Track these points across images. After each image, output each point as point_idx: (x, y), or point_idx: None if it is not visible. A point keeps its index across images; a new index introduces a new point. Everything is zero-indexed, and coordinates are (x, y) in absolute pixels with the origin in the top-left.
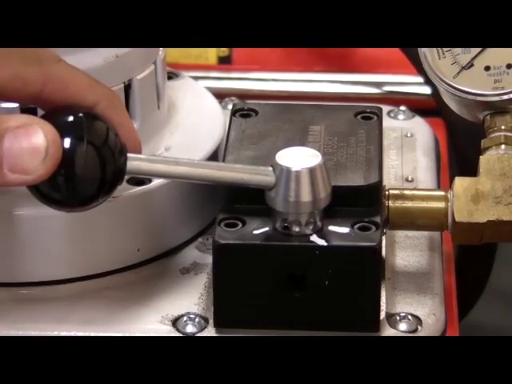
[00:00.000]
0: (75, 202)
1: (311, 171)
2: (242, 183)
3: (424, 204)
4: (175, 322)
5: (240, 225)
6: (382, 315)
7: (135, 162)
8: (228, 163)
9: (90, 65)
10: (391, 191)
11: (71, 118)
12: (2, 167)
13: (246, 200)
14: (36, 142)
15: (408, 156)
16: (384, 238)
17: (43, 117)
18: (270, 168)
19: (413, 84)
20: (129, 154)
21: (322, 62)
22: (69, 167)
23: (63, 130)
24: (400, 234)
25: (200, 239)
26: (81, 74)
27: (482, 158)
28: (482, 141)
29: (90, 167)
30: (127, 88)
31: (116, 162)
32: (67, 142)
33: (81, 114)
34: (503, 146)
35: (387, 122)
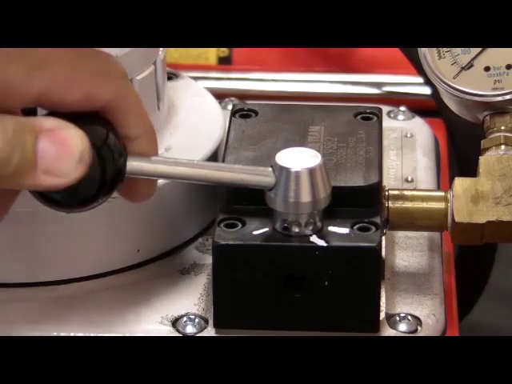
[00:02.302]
0: (75, 202)
1: (311, 172)
2: (241, 184)
3: (424, 204)
4: (175, 323)
5: (240, 225)
6: (382, 316)
7: (135, 163)
8: (228, 164)
9: None
10: (391, 192)
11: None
12: (35, 169)
13: (246, 200)
14: (72, 146)
15: (408, 156)
16: (384, 238)
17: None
18: (270, 168)
19: (413, 84)
20: (129, 155)
21: (322, 62)
22: None
23: None
24: (400, 235)
25: (200, 240)
26: (135, 96)
27: (481, 158)
28: (482, 141)
29: (89, 168)
30: None
31: (116, 163)
32: None
33: (81, 116)
34: (503, 147)
35: (387, 123)
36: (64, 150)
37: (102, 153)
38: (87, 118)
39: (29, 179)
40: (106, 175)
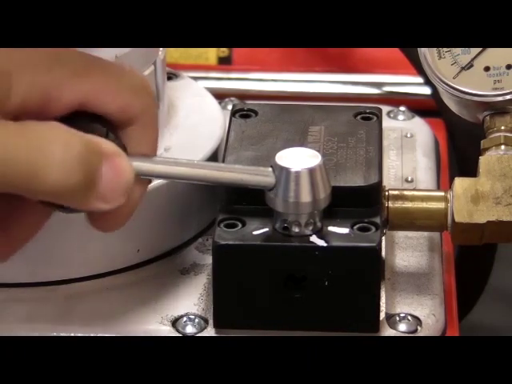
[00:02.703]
0: None
1: (311, 172)
2: (241, 184)
3: (424, 204)
4: (175, 323)
5: (240, 225)
6: (382, 316)
7: (135, 163)
8: (228, 164)
9: None
10: (391, 192)
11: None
12: (93, 193)
13: (246, 201)
14: (124, 175)
15: (408, 156)
16: (384, 238)
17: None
18: (270, 169)
19: (412, 84)
20: (129, 155)
21: (322, 62)
22: None
23: None
24: (400, 235)
25: (200, 240)
26: (156, 114)
27: (481, 158)
28: (482, 141)
29: None
30: None
31: None
32: None
33: (81, 116)
34: (503, 147)
35: (387, 123)
36: (118, 179)
37: None
38: (86, 118)
39: (82, 201)
40: None
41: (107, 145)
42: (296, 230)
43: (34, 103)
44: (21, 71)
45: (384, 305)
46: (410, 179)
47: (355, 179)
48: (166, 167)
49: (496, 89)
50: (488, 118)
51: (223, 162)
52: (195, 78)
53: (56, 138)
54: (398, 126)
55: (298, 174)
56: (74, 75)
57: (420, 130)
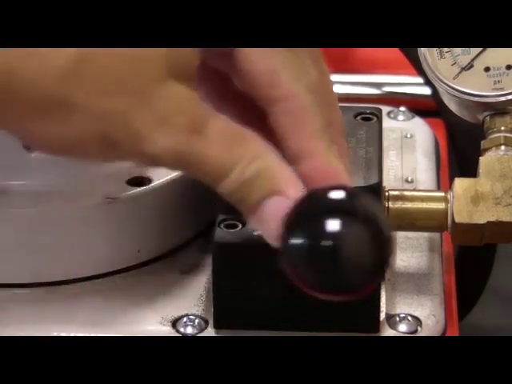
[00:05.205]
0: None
1: None
2: None
3: (424, 205)
4: (175, 323)
5: (240, 226)
6: (382, 316)
7: None
8: None
9: None
10: (391, 192)
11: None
12: (248, 210)
13: None
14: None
15: (408, 157)
16: None
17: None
18: None
19: (412, 85)
20: None
21: None
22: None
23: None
24: (400, 235)
25: (200, 240)
26: None
27: (481, 159)
28: (482, 142)
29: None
30: None
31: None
32: None
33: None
34: (503, 147)
35: (387, 123)
36: (277, 225)
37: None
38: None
39: (241, 208)
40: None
41: (293, 187)
42: None
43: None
44: None
45: (384, 305)
46: (409, 180)
47: (355, 180)
48: None
49: (496, 89)
50: (488, 118)
51: None
52: None
53: (255, 149)
54: (397, 126)
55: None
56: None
57: (420, 130)
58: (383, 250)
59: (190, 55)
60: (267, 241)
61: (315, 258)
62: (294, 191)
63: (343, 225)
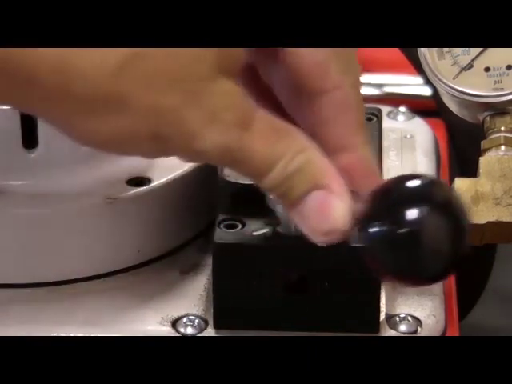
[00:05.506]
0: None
1: None
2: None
3: None
4: (175, 324)
5: (240, 226)
6: (382, 316)
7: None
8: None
9: None
10: None
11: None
12: (290, 206)
13: (246, 201)
14: (331, 219)
15: (408, 157)
16: None
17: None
18: None
19: (413, 85)
20: None
21: None
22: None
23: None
24: None
25: (200, 240)
26: None
27: (481, 159)
28: (482, 142)
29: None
30: None
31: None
32: None
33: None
34: (503, 147)
35: (387, 123)
36: (322, 216)
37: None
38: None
39: (285, 208)
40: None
41: (336, 182)
42: (296, 230)
43: None
44: None
45: (384, 305)
46: None
47: None
48: None
49: (496, 89)
50: (488, 118)
51: (221, 172)
52: None
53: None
54: (397, 126)
55: None
56: None
57: (420, 130)
58: (461, 238)
59: (237, 51)
60: (308, 236)
61: (396, 245)
62: (337, 185)
63: (423, 212)
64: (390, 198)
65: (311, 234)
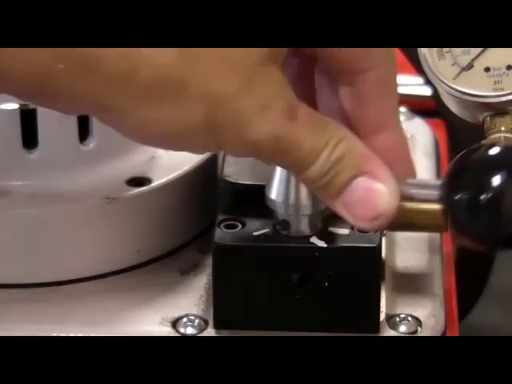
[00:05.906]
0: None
1: None
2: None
3: (424, 205)
4: (175, 324)
5: (240, 226)
6: (382, 316)
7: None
8: (228, 165)
9: None
10: None
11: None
12: (335, 200)
13: (246, 201)
14: (376, 205)
15: None
16: (384, 239)
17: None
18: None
19: (413, 85)
20: None
21: None
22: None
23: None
24: (400, 236)
25: (200, 240)
26: None
27: None
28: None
29: None
30: None
31: None
32: None
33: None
34: None
35: None
36: (368, 203)
37: None
38: None
39: (324, 197)
40: None
41: (382, 168)
42: (296, 230)
43: None
44: None
45: (384, 306)
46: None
47: None
48: None
49: (496, 89)
50: (488, 118)
51: (223, 162)
52: None
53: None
54: None
55: None
56: None
57: (420, 130)
58: None
59: None
60: (355, 224)
61: (479, 210)
62: (381, 170)
63: (504, 178)
64: (472, 165)
65: (358, 222)
